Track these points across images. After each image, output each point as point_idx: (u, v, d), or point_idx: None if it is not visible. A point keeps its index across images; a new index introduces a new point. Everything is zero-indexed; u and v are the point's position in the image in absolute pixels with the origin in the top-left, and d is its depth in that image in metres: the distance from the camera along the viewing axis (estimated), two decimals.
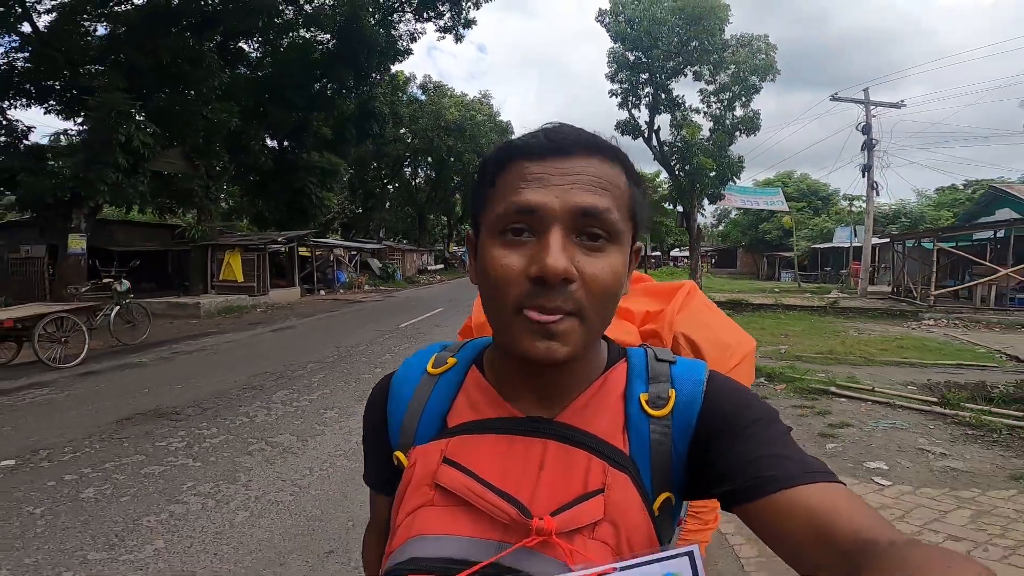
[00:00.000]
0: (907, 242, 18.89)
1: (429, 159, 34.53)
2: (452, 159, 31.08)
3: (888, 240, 20.89)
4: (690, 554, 0.42)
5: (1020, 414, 4.59)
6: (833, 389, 5.45)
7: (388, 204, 33.94)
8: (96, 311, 8.00)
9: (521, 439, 0.56)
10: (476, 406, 0.59)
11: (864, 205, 23.20)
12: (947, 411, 4.71)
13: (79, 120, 13.42)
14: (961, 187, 35.18)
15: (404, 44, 20.77)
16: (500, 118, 33.76)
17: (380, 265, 25.87)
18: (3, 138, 12.77)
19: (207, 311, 13.40)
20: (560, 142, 0.52)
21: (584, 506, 0.51)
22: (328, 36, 19.30)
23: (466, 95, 34.51)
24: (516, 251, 0.51)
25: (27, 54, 12.80)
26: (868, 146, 20.85)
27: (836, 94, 21.43)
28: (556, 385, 0.57)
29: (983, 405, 4.89)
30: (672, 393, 0.57)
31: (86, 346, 7.24)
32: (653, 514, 0.54)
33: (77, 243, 11.86)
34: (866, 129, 21.08)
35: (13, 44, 12.66)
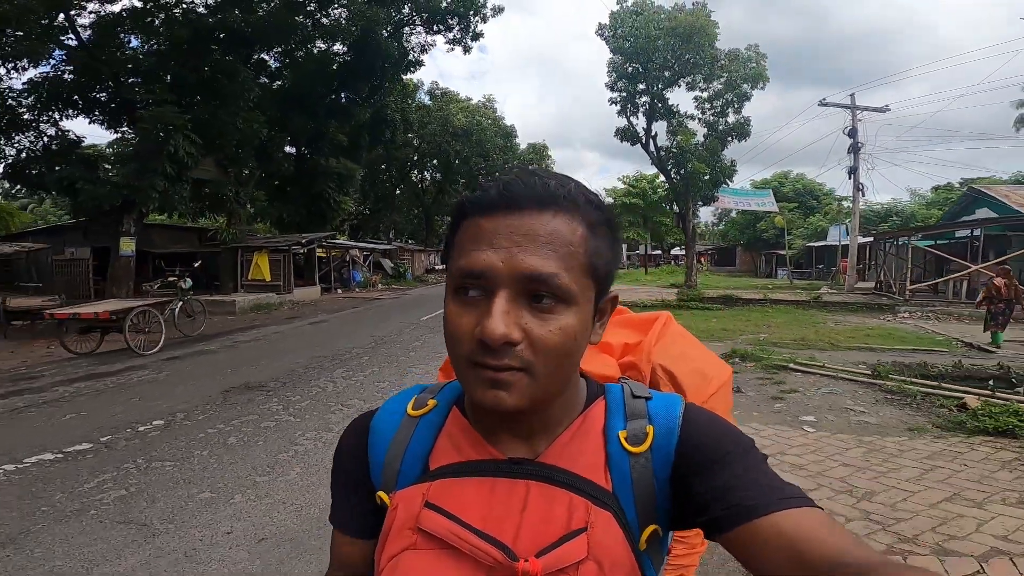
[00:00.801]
0: (889, 241, 20.06)
1: (434, 162, 35.77)
2: (458, 162, 32.34)
3: (872, 239, 22.02)
4: None
5: (934, 383, 5.82)
6: (791, 366, 6.69)
7: (400, 207, 35.14)
8: (166, 305, 9.24)
9: (503, 481, 0.56)
10: (458, 447, 0.59)
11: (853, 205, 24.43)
12: (876, 381, 5.93)
13: (123, 130, 14.64)
14: (957, 185, 36.30)
15: (415, 56, 22.02)
16: (505, 122, 35.00)
17: (392, 265, 27.13)
18: (49, 147, 14.00)
19: (241, 308, 14.66)
20: (512, 197, 0.52)
21: (568, 546, 0.52)
22: (343, 48, 20.52)
23: (471, 100, 35.76)
24: (467, 309, 0.52)
25: (72, 67, 13.93)
26: (854, 149, 22.01)
27: (824, 99, 22.59)
28: (534, 426, 0.58)
29: (920, 380, 6.10)
30: (650, 429, 0.57)
31: (163, 335, 8.50)
32: (639, 548, 0.55)
33: (128, 245, 13.10)
34: (852, 133, 22.24)
35: (62, 56, 13.79)
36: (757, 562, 0.48)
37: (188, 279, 9.92)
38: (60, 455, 4.02)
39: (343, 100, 20.85)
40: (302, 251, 19.27)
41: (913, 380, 5.97)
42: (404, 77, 23.08)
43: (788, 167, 51.28)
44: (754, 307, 16.01)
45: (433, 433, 0.62)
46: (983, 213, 20.49)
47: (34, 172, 13.27)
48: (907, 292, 15.80)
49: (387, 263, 27.38)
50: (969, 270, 15.64)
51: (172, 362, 7.67)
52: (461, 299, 0.53)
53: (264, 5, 14.38)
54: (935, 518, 2.97)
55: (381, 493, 0.61)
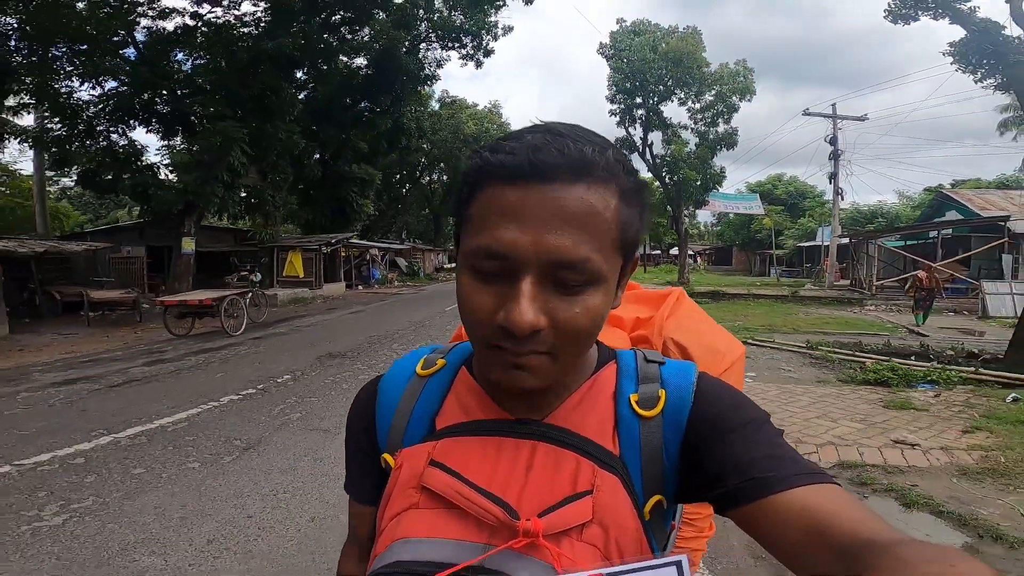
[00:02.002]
0: (863, 241, 21.96)
1: (442, 164, 37.66)
2: (461, 166, 34.20)
3: (848, 239, 23.89)
4: (678, 564, 0.42)
5: (849, 352, 7.73)
6: (749, 341, 8.60)
7: (408, 207, 37.06)
8: (245, 295, 11.14)
9: (510, 441, 0.56)
10: (466, 408, 0.59)
11: (844, 207, 26.36)
12: (808, 351, 7.85)
13: (177, 140, 16.51)
14: (948, 187, 38.14)
15: (431, 70, 23.94)
16: (511, 128, 36.88)
17: (407, 263, 29.07)
18: (118, 155, 15.86)
19: (282, 300, 16.58)
20: (543, 166, 0.47)
21: (572, 507, 0.51)
22: (365, 63, 22.42)
23: (477, 105, 37.65)
24: (486, 288, 0.50)
25: (133, 80, 15.66)
26: (834, 156, 23.91)
27: (807, 110, 24.46)
28: (544, 389, 0.56)
29: (841, 350, 7.98)
30: (662, 393, 0.56)
31: (245, 320, 10.41)
32: (644, 517, 0.54)
33: (188, 244, 14.98)
34: (833, 141, 24.14)
35: (126, 69, 15.56)
36: (773, 538, 0.46)
37: (258, 274, 11.83)
38: (239, 396, 5.91)
39: (366, 111, 22.78)
40: (328, 250, 21.18)
41: (835, 350, 7.89)
42: (420, 90, 24.95)
43: (785, 167, 53.15)
44: (738, 301, 17.94)
45: (441, 393, 0.61)
46: (952, 215, 22.43)
47: (106, 178, 15.15)
48: (874, 288, 17.70)
49: (402, 261, 29.34)
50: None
51: (259, 341, 9.59)
52: (479, 277, 0.50)
53: (305, 27, 16.21)
54: (803, 426, 4.86)
55: (386, 455, 0.60)
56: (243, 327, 10.29)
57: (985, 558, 2.62)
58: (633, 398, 0.57)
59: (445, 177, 39.46)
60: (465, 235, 0.52)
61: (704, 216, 52.02)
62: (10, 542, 2.77)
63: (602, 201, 0.49)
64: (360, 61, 22.56)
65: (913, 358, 7.86)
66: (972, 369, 6.37)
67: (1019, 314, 7.33)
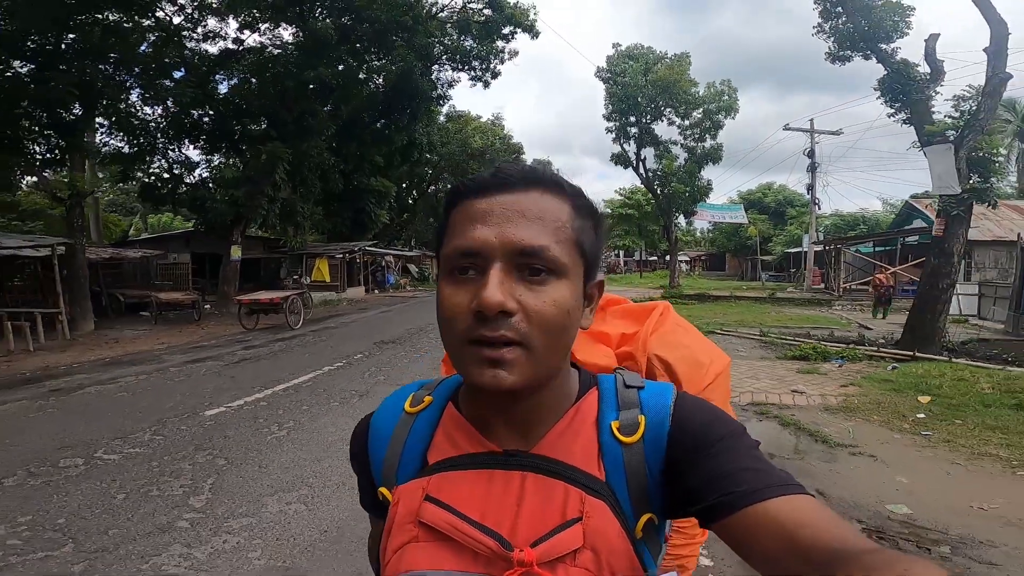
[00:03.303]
0: (837, 247, 24.16)
1: (446, 175, 39.85)
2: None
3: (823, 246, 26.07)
4: None
5: (791, 337, 9.84)
6: (716, 331, 10.71)
7: (417, 217, 39.14)
8: (300, 295, 13.21)
9: (500, 473, 0.58)
10: (455, 442, 0.61)
11: (828, 214, 28.52)
12: (759, 337, 9.98)
13: (225, 156, 18.59)
14: (913, 197, 40.36)
15: (443, 90, 26.13)
16: (512, 140, 39.10)
17: (417, 269, 31.21)
18: (173, 170, 17.93)
19: (313, 303, 18.66)
20: (504, 177, 0.55)
21: (563, 535, 0.53)
22: (383, 83, 24.59)
23: (480, 117, 39.83)
24: (463, 288, 0.54)
25: (183, 100, 17.58)
26: (812, 168, 26.09)
27: (787, 124, 26.65)
28: (528, 417, 0.59)
29: (786, 336, 10.07)
30: (642, 419, 0.59)
31: (302, 316, 12.49)
32: (635, 536, 0.56)
33: (236, 252, 17.06)
34: (811, 154, 26.32)
35: (184, 90, 17.49)
36: (751, 549, 0.48)
37: (307, 277, 13.92)
38: (333, 367, 7.96)
39: (384, 128, 24.94)
40: (349, 257, 23.30)
41: (781, 336, 10.01)
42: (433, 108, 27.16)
43: (777, 174, 55.50)
44: (721, 302, 20.07)
45: (430, 429, 0.64)
46: (918, 223, 24.62)
47: (163, 192, 17.23)
48: (841, 289, 19.86)
49: (412, 268, 31.47)
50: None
51: (318, 332, 11.67)
52: (456, 279, 0.55)
53: (339, 57, 18.33)
54: (736, 384, 6.95)
55: (383, 489, 0.63)
56: (300, 322, 12.38)
57: (813, 453, 4.50)
58: (614, 425, 0.59)
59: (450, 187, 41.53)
60: (445, 244, 0.57)
61: (701, 223, 54.36)
62: (266, 444, 4.73)
63: (555, 204, 0.56)
64: (378, 81, 24.76)
65: (851, 344, 9.99)
66: (875, 348, 8.50)
67: (915, 307, 9.20)
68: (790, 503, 0.48)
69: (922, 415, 5.27)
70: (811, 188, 25.99)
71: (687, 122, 24.57)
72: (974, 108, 8.58)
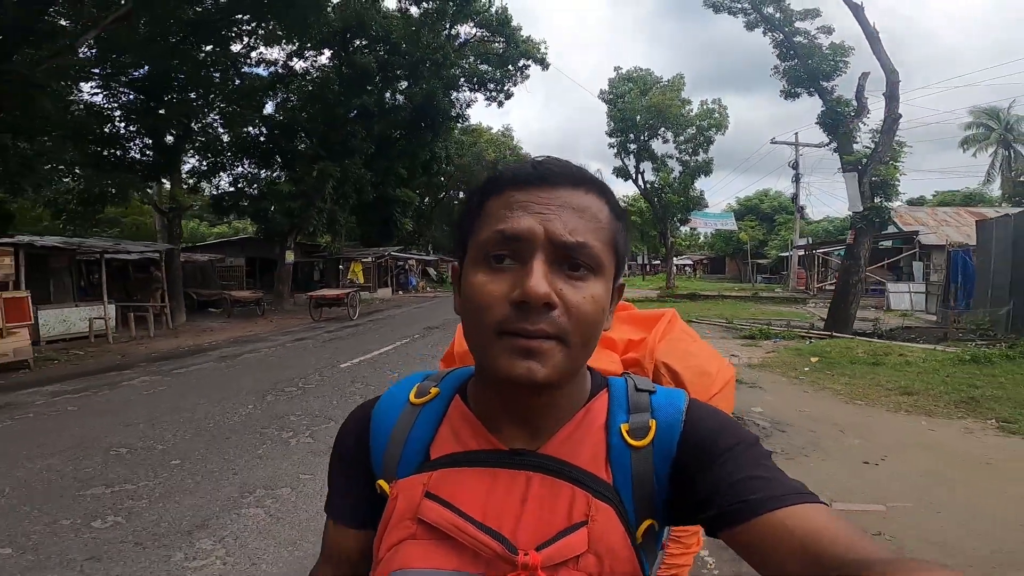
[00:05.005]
0: (815, 251, 26.83)
1: (461, 184, 42.78)
2: None
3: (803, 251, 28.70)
4: None
5: (751, 324, 12.57)
6: (693, 320, 13.46)
7: (433, 224, 42.05)
8: (358, 292, 16.04)
9: (505, 472, 0.57)
10: (460, 437, 0.60)
11: (817, 219, 31.09)
12: (725, 324, 12.73)
13: (277, 171, 21.49)
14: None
15: (461, 109, 29.03)
16: (521, 150, 41.95)
17: (436, 272, 34.16)
18: (233, 186, 20.84)
19: (362, 300, 21.53)
20: (547, 173, 0.55)
21: (568, 539, 0.53)
22: (409, 103, 27.52)
23: (491, 128, 42.73)
24: (499, 277, 0.53)
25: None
26: (796, 179, 28.74)
27: (774, 138, 29.28)
28: (539, 416, 0.58)
29: (749, 324, 12.77)
30: (653, 423, 0.58)
31: (358, 309, 15.32)
32: (636, 541, 0.55)
33: (290, 256, 19.97)
34: (795, 165, 28.96)
35: (244, 115, 20.16)
36: (763, 558, 0.48)
37: (345, 278, 16.77)
38: (400, 343, 10.74)
39: (408, 145, 27.87)
40: (378, 260, 26.20)
41: (742, 324, 12.75)
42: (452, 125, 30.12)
43: (775, 178, 58.11)
44: (709, 300, 22.76)
45: (435, 422, 0.62)
46: (892, 229, 27.25)
47: (230, 203, 20.16)
48: (814, 289, 22.51)
49: (431, 271, 34.43)
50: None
51: (374, 322, 14.49)
52: (491, 268, 0.54)
53: (378, 86, 21.27)
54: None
55: (382, 481, 0.61)
56: (357, 314, 15.22)
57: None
58: (624, 428, 0.58)
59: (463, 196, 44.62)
60: (476, 234, 0.56)
61: (705, 229, 57.07)
62: (390, 380, 7.57)
63: (597, 204, 0.56)
64: (405, 103, 27.71)
65: (805, 332, 12.68)
66: (805, 331, 11.23)
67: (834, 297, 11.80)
68: (804, 512, 0.48)
69: (807, 368, 8.01)
70: (795, 198, 28.66)
71: (681, 138, 27.35)
72: (876, 142, 11.27)
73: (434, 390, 0.65)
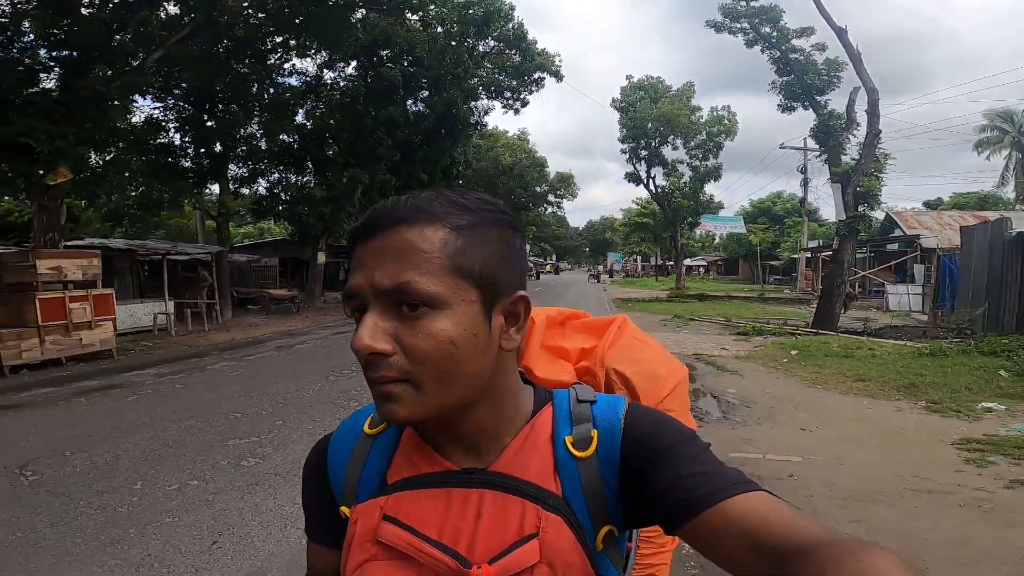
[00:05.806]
0: (819, 253, 27.69)
1: (477, 187, 44.21)
2: (502, 191, 40.71)
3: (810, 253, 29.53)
4: None
5: (752, 323, 13.73)
6: (694, 318, 14.65)
7: None
8: None
9: (458, 491, 0.59)
10: (413, 462, 0.62)
11: (831, 220, 31.82)
12: (726, 322, 13.91)
13: (308, 177, 23.04)
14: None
15: (479, 116, 30.42)
16: (537, 154, 43.24)
17: None
18: (269, 191, 22.44)
19: None
20: (376, 221, 0.55)
21: (520, 551, 0.55)
22: (430, 112, 28.99)
23: (507, 132, 44.06)
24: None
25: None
26: (804, 183, 29.60)
27: (784, 143, 30.17)
28: (475, 436, 0.61)
29: (745, 322, 13.92)
30: (595, 433, 0.60)
31: None
32: (594, 549, 0.58)
33: (322, 257, 21.52)
34: (803, 170, 29.81)
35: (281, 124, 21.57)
36: (713, 551, 0.50)
37: None
38: None
39: (430, 151, 29.35)
40: None
41: (740, 320, 13.91)
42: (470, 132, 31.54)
43: (787, 181, 58.58)
44: (717, 300, 23.85)
45: (389, 450, 0.64)
46: (898, 232, 28.00)
47: (267, 207, 21.76)
48: (817, 290, 23.44)
49: None
50: (859, 275, 23.22)
51: None
52: (354, 319, 0.56)
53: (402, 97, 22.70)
54: (692, 346, 10.94)
55: (344, 508, 0.64)
56: None
57: (712, 374, 8.45)
58: (568, 440, 0.60)
59: None
60: None
61: (720, 231, 57.83)
62: None
63: (419, 237, 0.53)
64: (427, 111, 29.20)
65: (782, 325, 13.80)
66: (794, 328, 12.38)
67: (817, 297, 12.89)
68: (746, 501, 0.50)
69: (786, 360, 9.20)
70: (803, 202, 29.53)
71: (691, 144, 28.40)
72: (860, 155, 12.35)
73: None
